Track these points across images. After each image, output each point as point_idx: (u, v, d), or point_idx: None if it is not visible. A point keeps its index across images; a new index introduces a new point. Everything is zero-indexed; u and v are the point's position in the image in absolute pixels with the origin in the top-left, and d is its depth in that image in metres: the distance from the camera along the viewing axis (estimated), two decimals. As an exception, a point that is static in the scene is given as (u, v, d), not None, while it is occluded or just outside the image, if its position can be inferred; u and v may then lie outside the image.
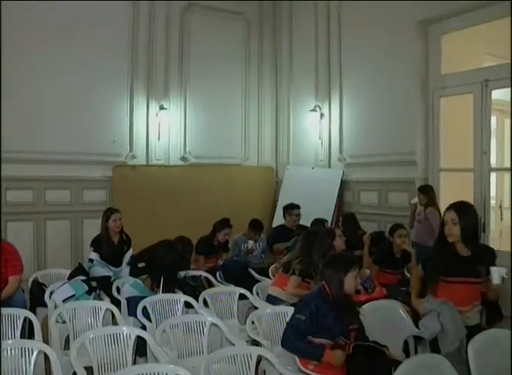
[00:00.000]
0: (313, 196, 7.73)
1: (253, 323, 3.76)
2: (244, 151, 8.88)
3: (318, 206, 7.51)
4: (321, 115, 8.17)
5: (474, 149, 6.04)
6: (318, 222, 6.45)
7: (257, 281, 5.80)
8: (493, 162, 6.22)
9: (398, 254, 5.26)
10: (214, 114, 8.39)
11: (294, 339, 3.14)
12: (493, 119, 7.38)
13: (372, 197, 7.27)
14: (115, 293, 4.79)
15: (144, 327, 4.10)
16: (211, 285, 5.47)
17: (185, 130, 8.23)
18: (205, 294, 4.60)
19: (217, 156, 8.40)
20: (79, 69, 7.14)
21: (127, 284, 4.78)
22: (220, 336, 3.86)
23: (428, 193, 5.91)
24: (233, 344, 3.52)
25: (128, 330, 3.32)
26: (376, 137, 7.15)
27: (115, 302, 4.61)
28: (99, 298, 4.71)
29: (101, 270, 5.19)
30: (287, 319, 3.93)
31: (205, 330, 3.67)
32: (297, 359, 3.11)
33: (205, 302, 4.53)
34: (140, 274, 4.91)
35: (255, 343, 3.74)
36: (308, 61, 8.33)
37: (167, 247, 4.88)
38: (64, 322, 4.00)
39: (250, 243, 6.27)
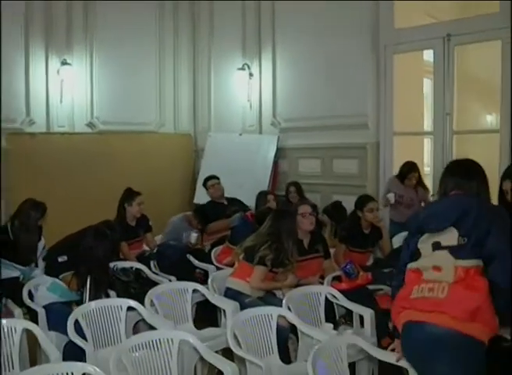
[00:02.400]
0: (243, 165, 6.96)
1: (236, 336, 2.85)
2: (159, 117, 7.80)
3: (249, 176, 6.80)
4: (250, 74, 7.25)
5: (435, 111, 5.50)
6: (263, 194, 5.67)
7: (196, 268, 4.99)
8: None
9: (367, 230, 4.56)
10: (124, 73, 7.20)
11: None
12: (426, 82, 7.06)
13: (314, 165, 6.53)
14: (27, 300, 3.63)
15: (72, 346, 3.09)
16: (144, 278, 4.49)
17: (92, 90, 6.98)
18: (151, 294, 3.61)
19: (129, 122, 7.27)
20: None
21: (43, 287, 3.75)
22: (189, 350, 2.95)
23: (418, 170, 5.26)
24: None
25: (71, 369, 2.27)
26: (318, 99, 6.39)
27: (30, 313, 3.52)
28: (6, 308, 3.53)
29: (4, 272, 3.95)
30: (272, 323, 3.15)
31: (173, 351, 2.70)
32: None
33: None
34: (62, 271, 3.84)
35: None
36: (233, 11, 7.29)
37: (95, 235, 3.85)
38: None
39: (194, 236, 5.20)
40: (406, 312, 2.33)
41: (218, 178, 6.02)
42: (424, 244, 2.40)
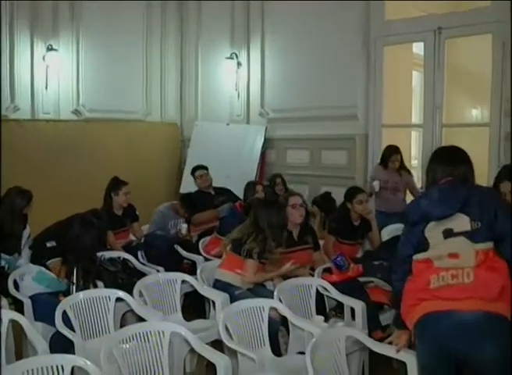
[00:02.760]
0: (230, 155, 6.91)
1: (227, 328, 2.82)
2: (146, 106, 7.68)
3: (236, 167, 6.76)
4: (239, 63, 7.18)
5: (425, 103, 5.48)
6: (252, 185, 5.60)
7: (184, 258, 4.93)
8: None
9: (357, 222, 4.54)
10: (111, 60, 7.07)
11: None
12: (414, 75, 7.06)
13: (302, 156, 6.49)
14: (13, 290, 3.56)
15: (59, 336, 3.03)
16: (131, 269, 4.43)
17: (78, 77, 6.82)
18: (140, 285, 3.56)
19: (115, 110, 7.15)
20: None
21: (28, 277, 3.65)
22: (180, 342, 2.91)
23: (400, 153, 5.24)
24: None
25: (61, 361, 2.22)
26: (307, 90, 6.34)
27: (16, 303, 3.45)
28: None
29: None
30: (264, 315, 3.13)
31: (164, 343, 2.66)
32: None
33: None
34: (50, 257, 3.81)
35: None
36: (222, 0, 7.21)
37: (82, 223, 3.79)
38: None
39: (184, 227, 5.13)
40: (426, 303, 2.26)
41: (206, 168, 5.93)
42: (433, 232, 2.33)
